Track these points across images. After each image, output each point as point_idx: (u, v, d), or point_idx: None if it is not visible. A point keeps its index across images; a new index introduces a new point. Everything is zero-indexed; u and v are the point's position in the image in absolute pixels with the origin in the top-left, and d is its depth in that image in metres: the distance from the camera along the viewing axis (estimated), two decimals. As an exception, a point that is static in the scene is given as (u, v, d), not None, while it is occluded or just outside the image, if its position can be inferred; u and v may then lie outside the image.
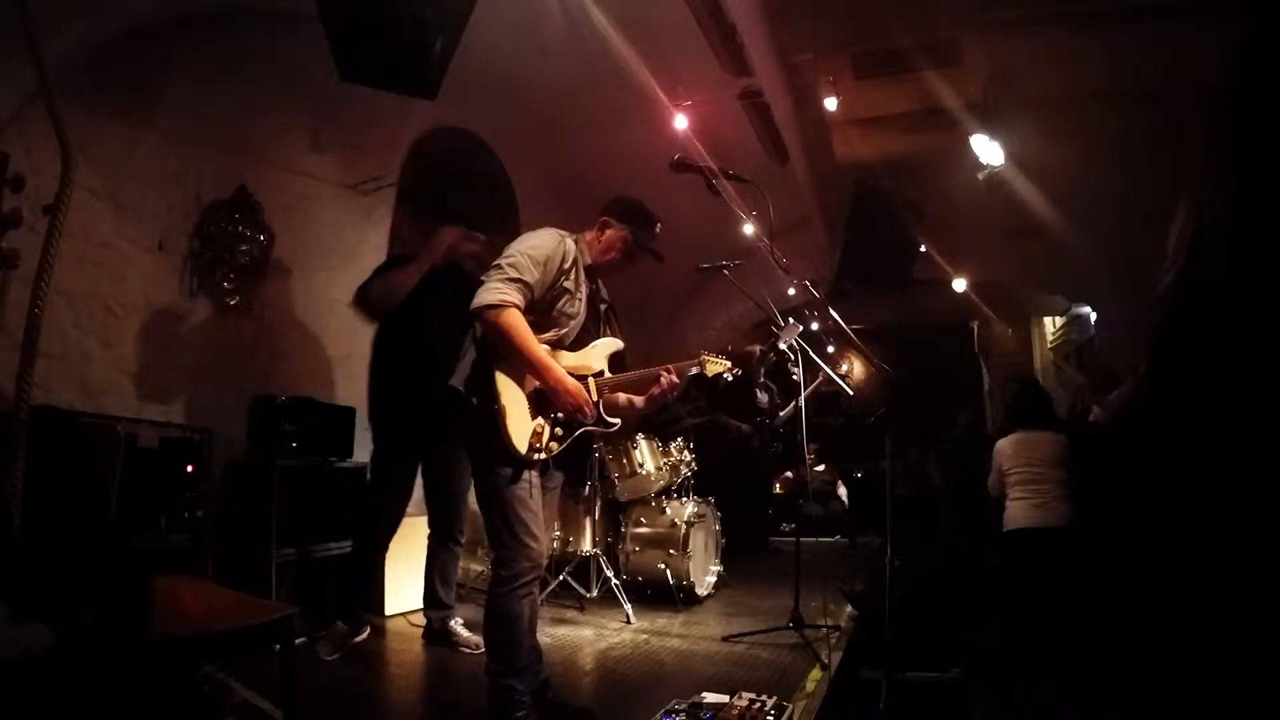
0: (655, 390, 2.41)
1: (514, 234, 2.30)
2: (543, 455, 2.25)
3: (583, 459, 3.04)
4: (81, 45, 2.86)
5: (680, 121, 4.07)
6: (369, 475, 3.37)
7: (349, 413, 3.59)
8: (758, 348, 2.80)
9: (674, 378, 2.39)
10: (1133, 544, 2.72)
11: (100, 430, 2.58)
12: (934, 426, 5.71)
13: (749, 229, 3.22)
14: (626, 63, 3.81)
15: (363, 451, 3.77)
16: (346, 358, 4.21)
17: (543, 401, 2.26)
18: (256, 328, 3.72)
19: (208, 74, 3.40)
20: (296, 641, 2.04)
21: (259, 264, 3.72)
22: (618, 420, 2.45)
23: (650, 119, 4.17)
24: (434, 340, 2.96)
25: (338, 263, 4.19)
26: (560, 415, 2.29)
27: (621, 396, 2.47)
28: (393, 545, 3.74)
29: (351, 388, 4.08)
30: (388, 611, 3.69)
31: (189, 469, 2.84)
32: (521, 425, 2.22)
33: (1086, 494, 3.45)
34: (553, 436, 2.28)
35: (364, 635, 3.21)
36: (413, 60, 2.58)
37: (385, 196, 4.46)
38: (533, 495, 2.24)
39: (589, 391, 2.32)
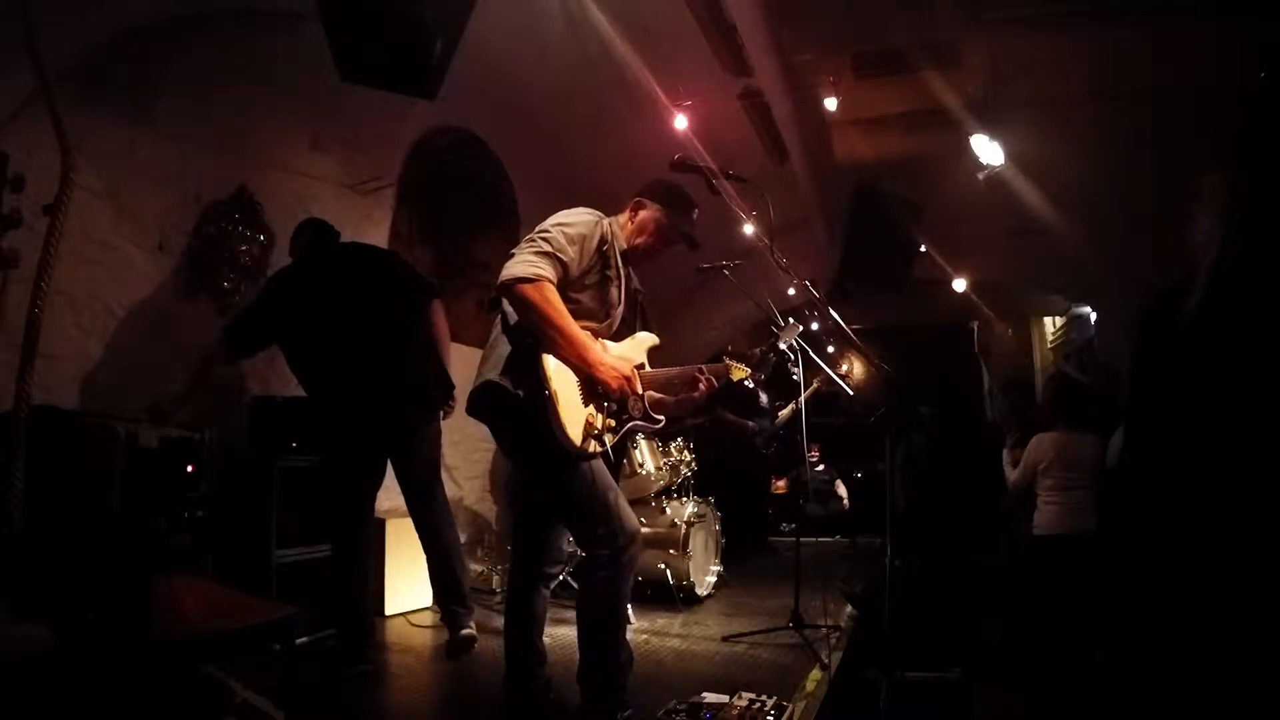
0: (694, 394, 2.29)
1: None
2: (598, 447, 2.10)
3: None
4: (81, 45, 2.86)
5: (680, 121, 4.07)
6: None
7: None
8: (758, 350, 2.77)
9: (714, 382, 2.28)
10: (1158, 550, 2.71)
11: (100, 430, 2.58)
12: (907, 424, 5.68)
13: (749, 229, 3.21)
14: (626, 63, 3.80)
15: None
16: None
17: (593, 387, 2.11)
18: (256, 328, 3.72)
19: (208, 74, 3.40)
20: (297, 641, 2.04)
21: (259, 264, 3.71)
22: (662, 418, 2.33)
23: (650, 119, 4.17)
24: (366, 329, 2.93)
25: (338, 263, 4.19)
26: (611, 403, 2.15)
27: (653, 394, 2.31)
28: (392, 545, 3.75)
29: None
30: (388, 611, 3.69)
31: (189, 469, 2.83)
32: (574, 414, 2.06)
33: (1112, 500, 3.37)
34: (606, 426, 2.14)
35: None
36: (413, 60, 2.58)
37: (385, 196, 4.46)
38: (603, 473, 2.12)
39: (637, 384, 2.18)
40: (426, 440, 3.12)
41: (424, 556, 3.22)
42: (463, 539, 4.83)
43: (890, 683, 2.65)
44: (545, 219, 2.24)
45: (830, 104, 4.35)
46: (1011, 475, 3.77)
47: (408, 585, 3.80)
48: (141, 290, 3.28)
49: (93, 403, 3.02)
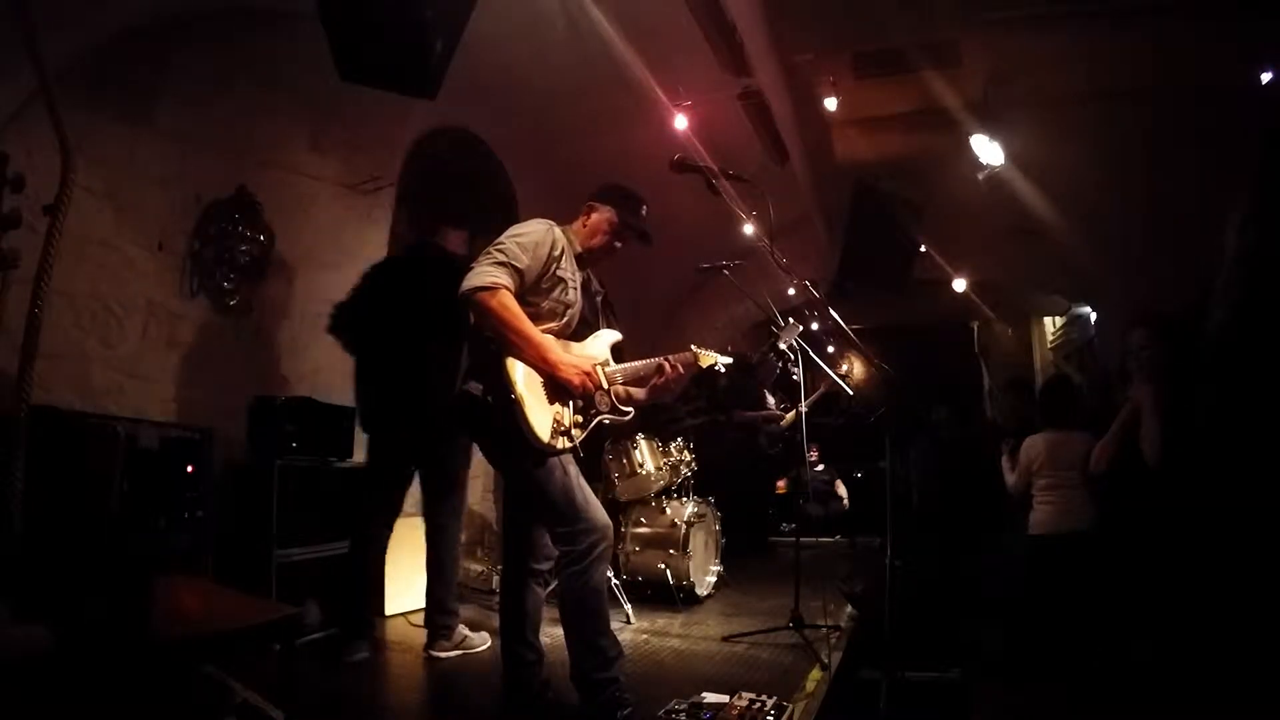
0: (658, 380, 2.39)
1: None
2: (567, 443, 2.21)
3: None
4: (81, 45, 2.86)
5: (680, 121, 4.07)
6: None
7: (349, 413, 3.59)
8: (756, 354, 2.79)
9: (679, 368, 2.37)
10: (1157, 549, 2.72)
11: (100, 430, 2.58)
12: (919, 425, 5.70)
13: (749, 229, 3.22)
14: (626, 63, 3.80)
15: (363, 451, 3.77)
16: (346, 358, 4.21)
17: (558, 386, 2.21)
18: (256, 328, 3.72)
19: (208, 74, 3.40)
20: (297, 641, 2.04)
21: (259, 264, 3.72)
22: (631, 410, 2.42)
23: (650, 119, 4.17)
24: (425, 337, 2.96)
25: (338, 263, 4.19)
26: (577, 400, 2.25)
27: (620, 388, 2.42)
28: (393, 545, 3.74)
29: (351, 388, 4.08)
30: (388, 611, 3.69)
31: (189, 469, 2.83)
32: (542, 413, 2.16)
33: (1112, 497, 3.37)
34: (574, 422, 2.25)
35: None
36: (413, 60, 2.58)
37: (385, 196, 4.46)
38: (570, 470, 2.21)
39: (600, 379, 2.27)
40: (453, 451, 3.20)
41: (422, 556, 3.25)
42: (463, 539, 4.84)
43: (890, 683, 2.65)
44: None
45: (830, 104, 4.35)
46: (1010, 479, 3.77)
47: (408, 585, 3.80)
48: (141, 290, 3.27)
49: (93, 403, 3.02)
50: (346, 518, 3.41)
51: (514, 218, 5.36)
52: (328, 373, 4.07)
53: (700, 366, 2.43)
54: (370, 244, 4.43)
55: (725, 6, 3.62)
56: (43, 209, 1.82)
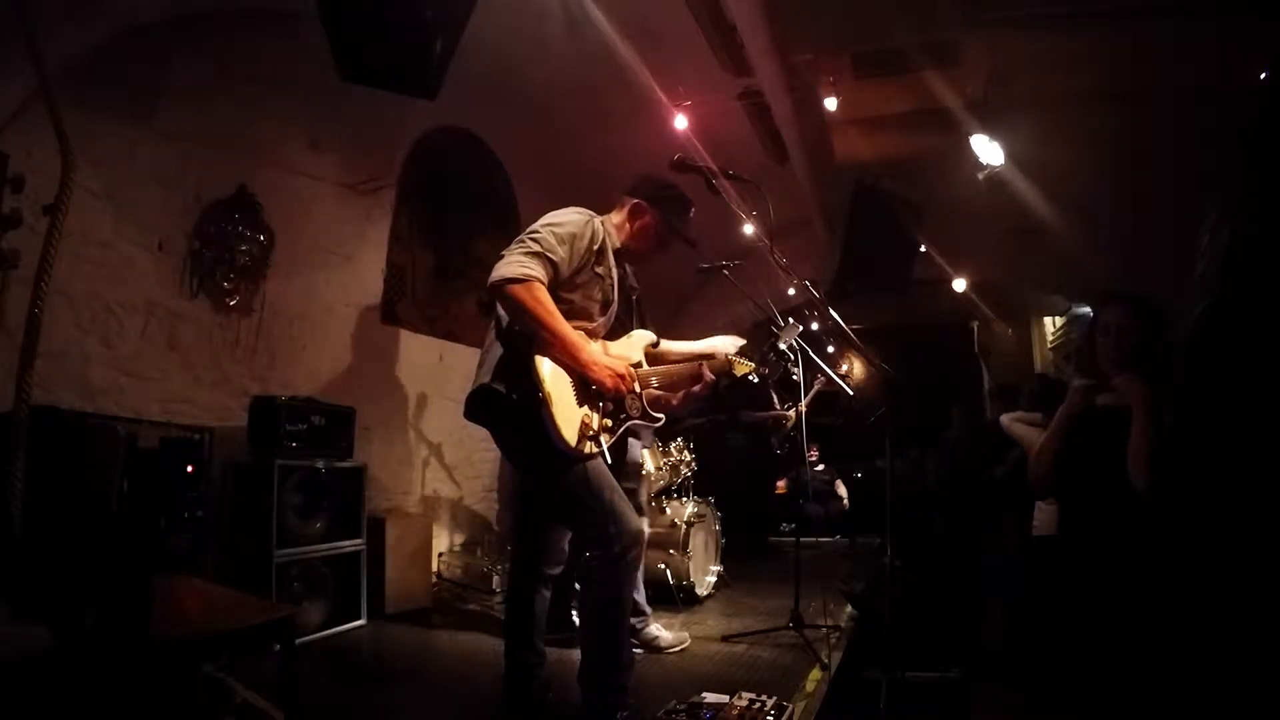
0: (696, 389, 2.30)
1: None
2: (594, 448, 2.09)
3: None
4: (81, 45, 2.86)
5: (680, 121, 4.07)
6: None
7: (349, 413, 3.59)
8: (756, 354, 2.77)
9: (712, 376, 2.31)
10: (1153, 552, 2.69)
11: (100, 430, 2.58)
12: (933, 426, 5.71)
13: (749, 229, 3.22)
14: (626, 63, 3.80)
15: (363, 452, 3.77)
16: (346, 358, 4.21)
17: (588, 387, 2.11)
18: (256, 328, 3.72)
19: (208, 74, 3.40)
20: (297, 641, 2.04)
21: (259, 264, 3.72)
22: (662, 415, 2.32)
23: (650, 119, 4.17)
24: None
25: (338, 263, 4.19)
26: (607, 402, 2.14)
27: (654, 392, 2.32)
28: (393, 544, 3.76)
29: (351, 388, 4.08)
30: (388, 611, 3.69)
31: (189, 469, 2.83)
32: (569, 414, 2.04)
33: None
34: (603, 426, 2.13)
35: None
36: (413, 60, 2.57)
37: (385, 196, 4.46)
38: (600, 473, 2.09)
39: (633, 382, 2.18)
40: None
41: (422, 556, 3.24)
42: (462, 539, 4.85)
43: (890, 683, 2.65)
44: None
45: (830, 104, 4.35)
46: (1016, 427, 3.71)
47: (408, 585, 3.81)
48: (141, 290, 3.27)
49: (93, 403, 3.02)
50: (346, 518, 3.42)
51: (514, 217, 5.38)
52: (328, 373, 4.07)
53: (734, 375, 2.39)
54: (370, 244, 4.43)
55: (725, 7, 3.62)
56: (43, 209, 1.82)
